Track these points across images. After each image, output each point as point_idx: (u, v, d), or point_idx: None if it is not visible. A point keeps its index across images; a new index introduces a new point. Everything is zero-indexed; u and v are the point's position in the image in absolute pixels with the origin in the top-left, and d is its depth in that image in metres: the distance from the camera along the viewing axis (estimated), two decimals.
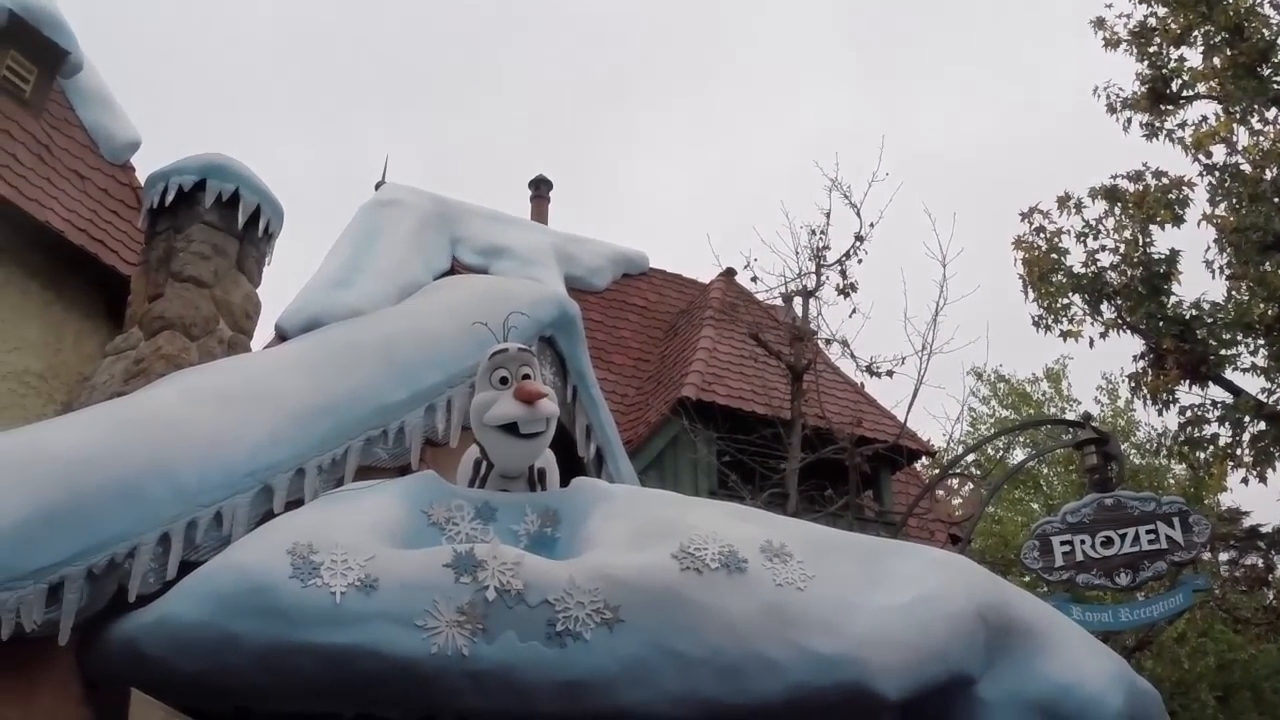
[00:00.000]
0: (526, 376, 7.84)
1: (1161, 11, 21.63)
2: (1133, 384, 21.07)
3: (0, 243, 13.04)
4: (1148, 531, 14.76)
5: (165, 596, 6.67)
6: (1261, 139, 20.75)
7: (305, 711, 6.75)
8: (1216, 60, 20.95)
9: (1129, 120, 21.62)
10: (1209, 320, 20.01)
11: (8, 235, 13.07)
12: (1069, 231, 21.56)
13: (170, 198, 10.12)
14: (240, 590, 6.48)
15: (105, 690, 6.74)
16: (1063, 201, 21.69)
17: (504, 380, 7.81)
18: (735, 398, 17.62)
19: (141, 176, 13.66)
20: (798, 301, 17.03)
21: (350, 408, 8.59)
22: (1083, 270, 21.14)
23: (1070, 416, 27.09)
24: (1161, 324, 19.88)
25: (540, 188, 22.36)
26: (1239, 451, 20.37)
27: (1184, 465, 25.51)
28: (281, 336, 10.18)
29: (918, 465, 20.07)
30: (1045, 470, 33.27)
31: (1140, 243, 20.72)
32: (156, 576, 6.96)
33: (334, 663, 6.39)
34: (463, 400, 9.20)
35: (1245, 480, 20.30)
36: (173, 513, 7.11)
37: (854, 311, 16.73)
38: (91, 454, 7.01)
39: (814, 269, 16.80)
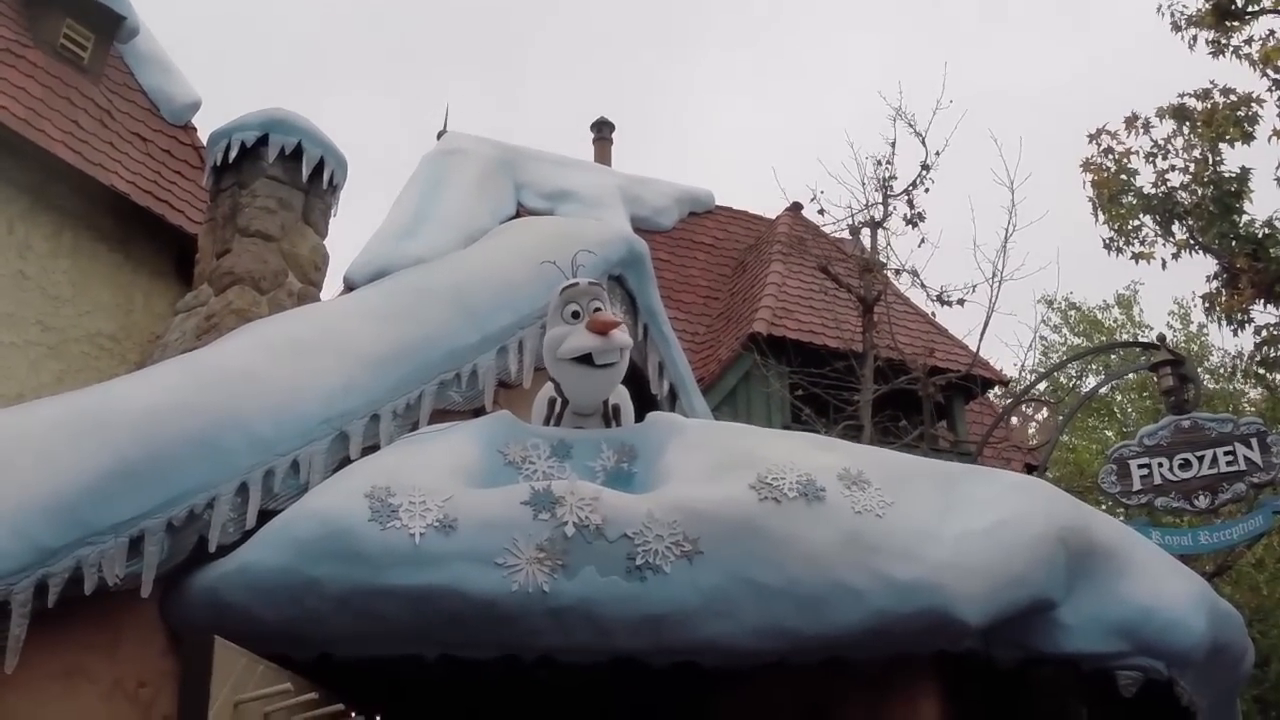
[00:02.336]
0: (598, 310, 7.83)
1: None
2: (1207, 305, 20.79)
3: (67, 208, 13.16)
4: (1226, 453, 14.65)
5: (245, 545, 6.73)
6: None
7: (388, 655, 6.79)
8: None
9: (1194, 38, 21.25)
10: None
11: (74, 201, 13.18)
12: (1138, 152, 21.26)
13: (233, 154, 10.15)
14: (319, 535, 6.53)
15: (189, 641, 6.78)
16: (1130, 122, 21.37)
17: (575, 315, 7.81)
18: (806, 331, 17.55)
19: (203, 137, 13.76)
20: (866, 233, 16.95)
21: (422, 352, 8.55)
22: (1153, 191, 20.86)
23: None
24: (1234, 243, 19.60)
25: (602, 130, 22.27)
26: None
27: (1260, 388, 25.25)
28: (350, 288, 10.18)
29: (991, 394, 19.96)
30: (1119, 397, 33.07)
31: (1210, 161, 20.39)
32: (236, 526, 6.98)
33: (415, 604, 6.43)
34: (534, 341, 9.18)
35: None
36: (250, 462, 7.11)
37: (923, 241, 16.64)
38: (166, 407, 7.04)
39: (881, 200, 16.71)
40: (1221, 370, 30.97)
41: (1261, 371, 21.87)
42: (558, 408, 8.03)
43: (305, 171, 10.19)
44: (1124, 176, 21.04)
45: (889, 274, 16.86)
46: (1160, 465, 14.88)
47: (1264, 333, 20.43)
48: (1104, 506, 15.44)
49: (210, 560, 6.77)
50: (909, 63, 65.31)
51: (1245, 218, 19.95)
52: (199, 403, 7.19)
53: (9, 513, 6.16)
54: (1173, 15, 21.31)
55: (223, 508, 6.94)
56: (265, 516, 6.99)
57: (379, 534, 6.48)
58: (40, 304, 12.77)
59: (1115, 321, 35.81)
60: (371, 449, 7.75)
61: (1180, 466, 14.78)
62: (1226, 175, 20.12)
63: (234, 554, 6.71)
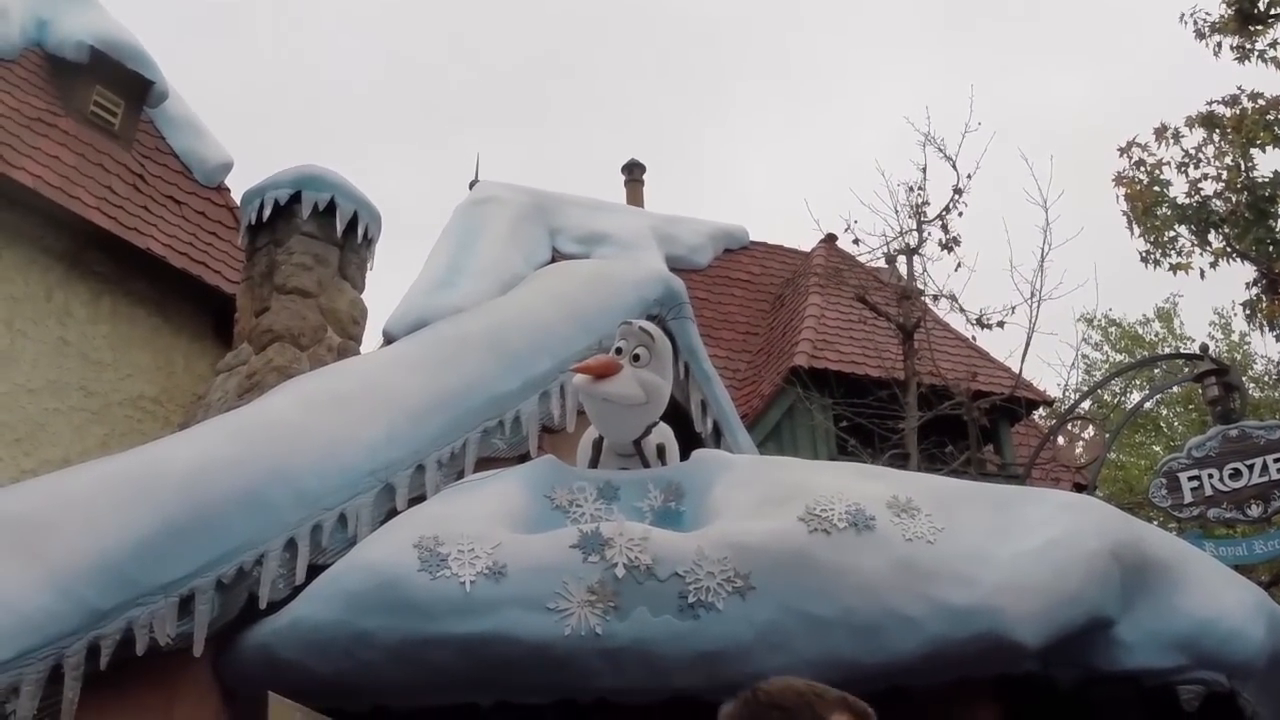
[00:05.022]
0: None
1: None
2: (1247, 312, 20.70)
3: (105, 273, 13.22)
4: (1275, 460, 14.48)
5: (296, 600, 6.73)
6: None
7: (443, 704, 6.76)
8: None
9: (1219, 45, 21.20)
10: None
11: (111, 266, 13.24)
12: (1169, 163, 21.19)
13: (267, 212, 10.20)
14: (370, 587, 6.52)
15: (243, 698, 6.77)
16: (1160, 133, 21.31)
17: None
18: (847, 362, 17.49)
19: (236, 197, 13.82)
20: (901, 260, 16.89)
21: (464, 400, 8.56)
22: (1186, 201, 20.79)
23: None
24: (1271, 249, 19.52)
25: (633, 171, 22.27)
26: None
27: None
28: (389, 341, 10.18)
29: (1036, 415, 19.83)
30: (1165, 412, 32.83)
31: (1242, 167, 20.31)
32: (285, 582, 6.99)
33: (468, 652, 6.40)
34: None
35: None
36: (296, 517, 7.13)
37: (959, 265, 16.58)
38: (212, 465, 7.05)
39: (915, 226, 16.65)
40: (1266, 378, 30.76)
41: None
42: (602, 447, 8.05)
43: (339, 227, 10.23)
44: (1157, 188, 20.98)
45: (927, 300, 16.78)
46: (1210, 476, 14.72)
47: None
48: (1156, 521, 15.31)
49: (261, 616, 6.77)
50: (936, 87, 65.28)
51: None
52: (244, 460, 7.21)
53: (59, 576, 6.17)
54: (1196, 23, 21.28)
55: (272, 564, 6.96)
56: (314, 571, 6.99)
57: (429, 584, 6.47)
58: (82, 369, 12.84)
59: (1156, 335, 35.56)
60: (418, 499, 7.75)
61: (1230, 476, 14.63)
62: (1260, 180, 20.03)
63: (285, 609, 6.71)
